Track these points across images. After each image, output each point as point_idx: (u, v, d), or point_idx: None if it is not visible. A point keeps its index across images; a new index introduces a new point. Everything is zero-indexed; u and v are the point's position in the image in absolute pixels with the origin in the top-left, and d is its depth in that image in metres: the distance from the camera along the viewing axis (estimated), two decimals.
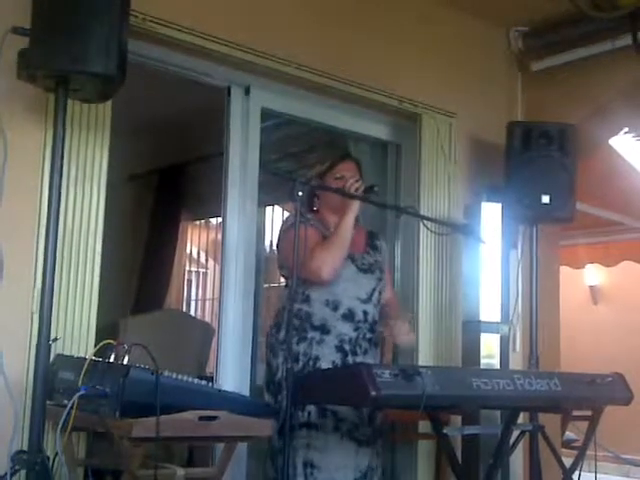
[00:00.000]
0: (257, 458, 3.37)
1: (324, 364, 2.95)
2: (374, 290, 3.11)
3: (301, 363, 2.93)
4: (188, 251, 6.80)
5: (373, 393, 2.29)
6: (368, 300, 3.08)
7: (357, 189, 3.00)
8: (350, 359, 2.99)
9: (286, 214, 3.18)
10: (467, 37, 4.46)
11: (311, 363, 2.95)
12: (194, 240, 6.83)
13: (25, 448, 2.38)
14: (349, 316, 3.02)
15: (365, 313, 3.06)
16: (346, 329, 3.01)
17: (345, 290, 3.02)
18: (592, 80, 4.43)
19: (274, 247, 3.32)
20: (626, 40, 4.09)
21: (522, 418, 3.58)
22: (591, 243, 7.55)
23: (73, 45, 2.36)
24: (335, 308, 3.01)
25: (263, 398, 3.06)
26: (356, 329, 3.03)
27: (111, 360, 2.42)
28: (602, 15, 4.01)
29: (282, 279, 3.30)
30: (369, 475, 2.99)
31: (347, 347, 3.00)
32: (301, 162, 4.97)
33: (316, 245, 2.94)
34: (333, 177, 3.14)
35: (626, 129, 5.41)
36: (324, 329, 2.98)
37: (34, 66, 2.42)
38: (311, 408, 2.88)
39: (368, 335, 3.07)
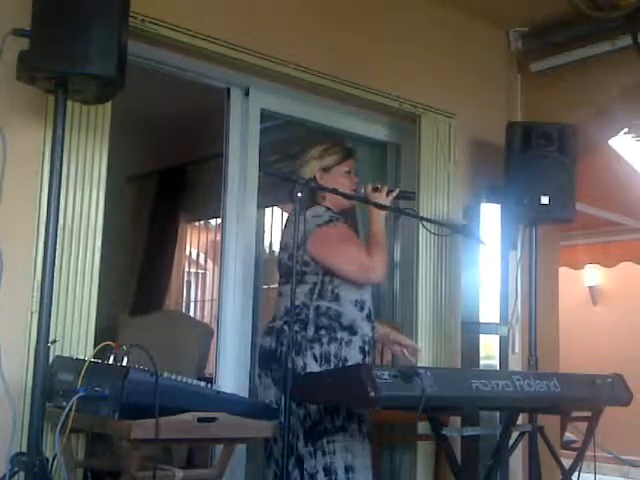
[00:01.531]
0: (256, 460, 3.37)
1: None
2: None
3: (332, 365, 2.84)
4: (187, 252, 6.79)
5: (372, 394, 2.29)
6: (372, 298, 3.09)
7: (390, 193, 3.04)
8: (367, 360, 2.96)
9: (314, 212, 3.00)
10: (467, 38, 4.46)
11: (341, 365, 2.86)
12: (193, 241, 6.82)
13: (24, 450, 2.39)
14: (370, 316, 3.00)
15: (374, 311, 3.07)
16: (368, 329, 2.98)
17: (367, 290, 3.01)
18: (592, 80, 4.42)
19: (300, 239, 2.89)
20: (626, 40, 4.09)
21: (521, 419, 3.57)
22: (590, 244, 7.54)
23: (73, 47, 2.37)
24: (362, 308, 2.96)
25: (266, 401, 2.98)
26: (372, 329, 3.02)
27: (110, 361, 2.42)
28: (602, 15, 4.01)
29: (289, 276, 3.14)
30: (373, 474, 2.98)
31: (367, 348, 2.96)
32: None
33: (368, 245, 2.96)
34: (341, 171, 3.08)
35: (626, 129, 5.41)
36: (352, 330, 2.91)
37: (34, 68, 2.42)
38: (344, 412, 2.82)
39: (376, 335, 3.08)
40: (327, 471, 2.77)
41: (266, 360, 2.94)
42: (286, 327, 2.87)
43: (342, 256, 2.92)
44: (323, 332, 2.86)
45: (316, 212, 2.95)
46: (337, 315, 2.90)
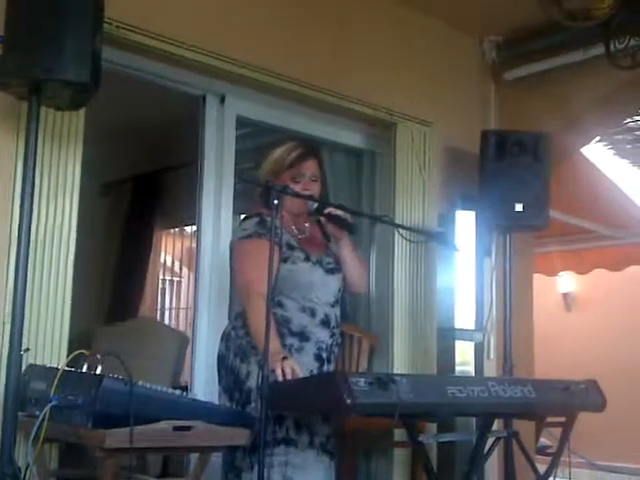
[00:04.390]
0: None
1: (303, 373, 2.76)
2: (339, 291, 3.00)
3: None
4: (162, 260, 6.76)
5: (349, 401, 2.28)
6: (336, 303, 2.97)
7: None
8: (325, 367, 2.89)
9: (244, 223, 2.94)
10: (441, 46, 4.49)
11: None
12: (168, 248, 6.79)
13: None
14: (326, 322, 2.90)
15: (336, 317, 2.95)
16: (324, 336, 2.89)
17: (319, 297, 2.90)
18: (565, 89, 4.47)
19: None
20: (599, 50, 4.13)
21: (497, 425, 3.59)
22: (564, 251, 7.60)
23: (47, 53, 2.35)
24: (313, 315, 2.87)
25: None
26: (332, 335, 2.92)
27: (84, 370, 2.39)
28: (575, 25, 4.04)
29: None
30: None
31: (324, 355, 2.88)
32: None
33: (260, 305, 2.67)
34: (290, 177, 2.91)
35: (598, 138, 5.47)
36: (303, 336, 2.83)
37: (7, 74, 2.40)
38: (289, 423, 2.76)
39: (339, 340, 2.99)
40: None
41: (217, 366, 2.92)
42: (233, 332, 2.88)
43: (239, 272, 2.87)
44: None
45: (245, 225, 2.89)
46: (285, 321, 2.82)
